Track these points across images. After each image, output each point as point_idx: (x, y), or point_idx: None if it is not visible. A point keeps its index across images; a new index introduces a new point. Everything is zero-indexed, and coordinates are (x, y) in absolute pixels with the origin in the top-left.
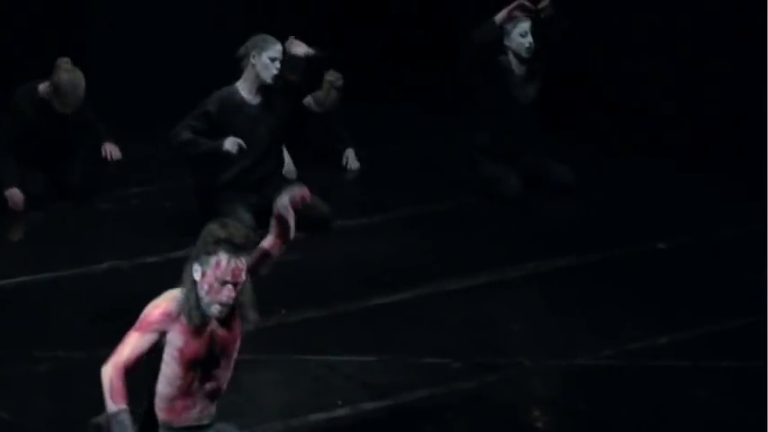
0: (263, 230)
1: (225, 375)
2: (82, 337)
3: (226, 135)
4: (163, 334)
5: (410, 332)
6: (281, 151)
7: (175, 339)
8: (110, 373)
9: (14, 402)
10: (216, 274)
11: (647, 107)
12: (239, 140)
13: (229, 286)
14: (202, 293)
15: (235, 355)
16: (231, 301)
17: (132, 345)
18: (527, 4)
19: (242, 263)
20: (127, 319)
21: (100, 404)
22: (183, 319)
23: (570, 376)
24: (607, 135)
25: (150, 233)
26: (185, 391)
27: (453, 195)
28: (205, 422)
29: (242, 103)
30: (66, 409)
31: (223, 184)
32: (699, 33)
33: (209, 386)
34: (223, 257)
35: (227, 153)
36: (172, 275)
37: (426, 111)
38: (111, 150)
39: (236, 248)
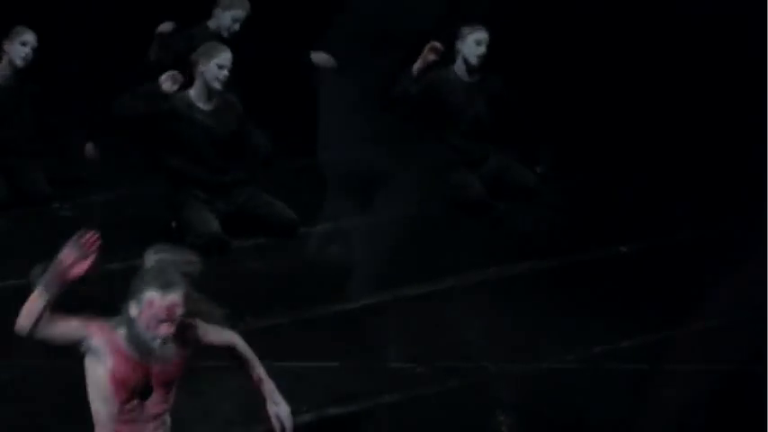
0: (230, 237)
1: (166, 401)
2: (43, 344)
3: (175, 141)
4: (87, 335)
5: (374, 338)
6: (249, 156)
7: (107, 357)
8: None
9: None
10: (150, 313)
11: (609, 111)
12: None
13: (167, 323)
14: (141, 329)
15: (175, 383)
16: (170, 336)
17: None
18: (437, 45)
19: (177, 298)
20: None
21: (64, 411)
22: (118, 337)
23: (534, 380)
24: (568, 139)
25: (113, 241)
26: (125, 416)
27: (416, 201)
28: None
29: (192, 107)
30: (30, 417)
31: (183, 190)
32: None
33: (150, 410)
34: (155, 295)
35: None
36: None
37: (389, 115)
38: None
39: (166, 284)
